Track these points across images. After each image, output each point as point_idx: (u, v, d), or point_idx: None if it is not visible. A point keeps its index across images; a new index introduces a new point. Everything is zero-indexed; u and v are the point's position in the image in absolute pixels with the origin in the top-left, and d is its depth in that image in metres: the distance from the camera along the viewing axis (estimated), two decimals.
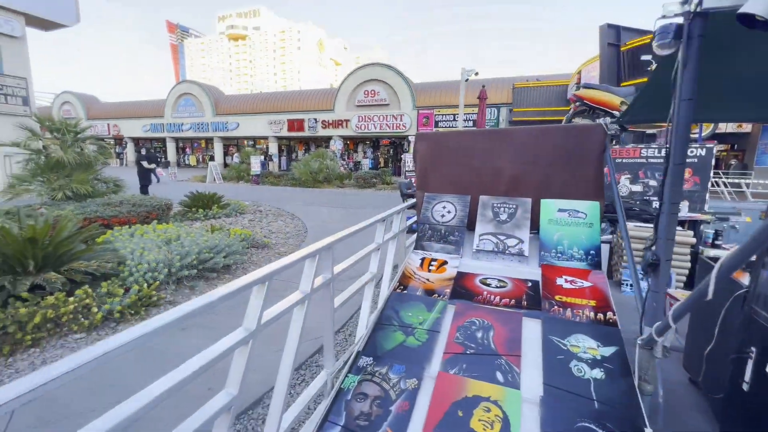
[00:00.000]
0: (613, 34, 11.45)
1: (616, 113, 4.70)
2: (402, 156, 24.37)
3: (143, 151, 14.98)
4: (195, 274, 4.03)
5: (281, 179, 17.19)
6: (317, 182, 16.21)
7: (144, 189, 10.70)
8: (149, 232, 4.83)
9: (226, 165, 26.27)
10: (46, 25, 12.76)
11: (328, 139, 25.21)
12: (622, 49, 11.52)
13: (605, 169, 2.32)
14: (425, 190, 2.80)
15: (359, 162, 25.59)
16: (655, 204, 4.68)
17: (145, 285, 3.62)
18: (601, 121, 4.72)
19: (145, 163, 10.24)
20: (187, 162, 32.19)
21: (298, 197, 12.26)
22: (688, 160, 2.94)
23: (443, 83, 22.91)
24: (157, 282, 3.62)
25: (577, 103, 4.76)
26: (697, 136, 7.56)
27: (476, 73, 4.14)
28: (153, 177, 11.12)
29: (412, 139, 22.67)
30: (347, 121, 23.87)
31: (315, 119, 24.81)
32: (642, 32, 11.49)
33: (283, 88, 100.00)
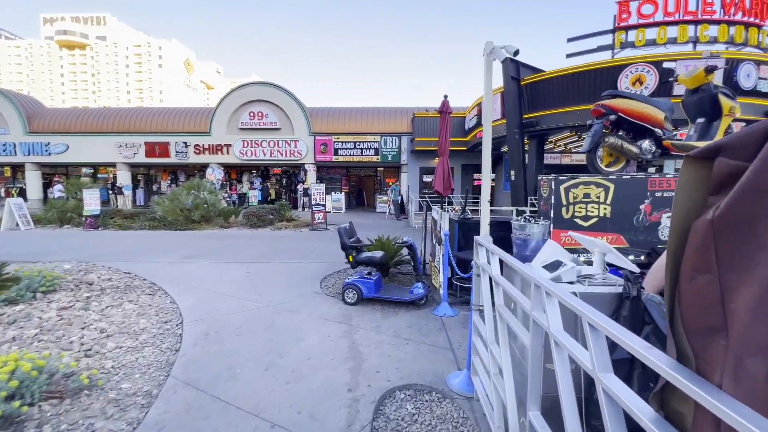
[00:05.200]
0: (514, 68, 11.81)
1: (658, 131, 3.53)
2: (298, 186, 21.57)
3: None
4: None
5: (136, 219, 12.51)
6: (192, 222, 12.24)
7: None
8: None
9: (46, 201, 19.01)
10: None
11: (204, 166, 20.70)
12: (522, 83, 11.98)
13: None
14: None
15: (245, 194, 21.67)
16: None
17: None
18: (645, 144, 3.36)
19: None
20: None
21: (164, 246, 8.49)
22: None
23: (341, 109, 21.47)
24: None
25: (609, 117, 3.45)
26: None
27: (516, 52, 2.65)
28: None
29: (309, 167, 20.26)
30: (228, 146, 20.04)
31: (185, 143, 20.14)
32: (536, 70, 12.31)
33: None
